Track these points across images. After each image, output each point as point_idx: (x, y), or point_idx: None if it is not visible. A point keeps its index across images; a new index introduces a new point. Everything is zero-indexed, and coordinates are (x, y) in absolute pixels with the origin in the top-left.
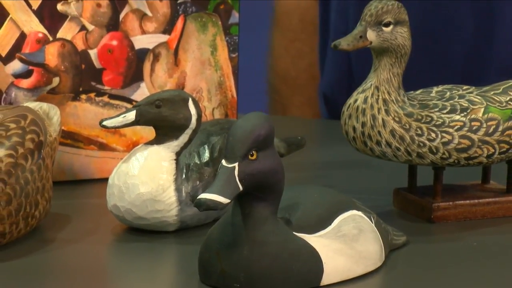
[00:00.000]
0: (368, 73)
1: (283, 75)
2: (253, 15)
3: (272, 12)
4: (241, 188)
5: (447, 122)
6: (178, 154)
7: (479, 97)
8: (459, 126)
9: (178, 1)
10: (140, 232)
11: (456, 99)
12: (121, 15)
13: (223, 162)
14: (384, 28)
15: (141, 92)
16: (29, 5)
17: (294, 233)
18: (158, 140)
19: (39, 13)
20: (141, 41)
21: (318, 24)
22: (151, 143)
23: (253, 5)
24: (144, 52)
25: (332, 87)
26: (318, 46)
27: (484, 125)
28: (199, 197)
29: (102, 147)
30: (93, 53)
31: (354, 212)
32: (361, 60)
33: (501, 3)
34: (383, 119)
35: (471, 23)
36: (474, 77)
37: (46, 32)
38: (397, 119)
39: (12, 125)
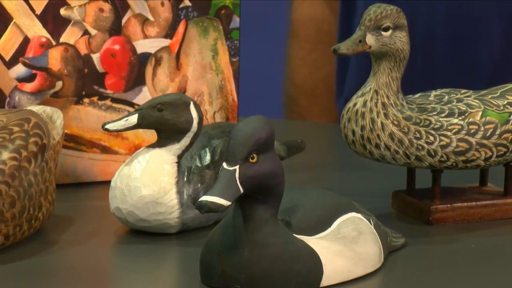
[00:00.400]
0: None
1: (301, 86)
2: (271, 26)
3: (289, 23)
4: (242, 190)
5: (445, 125)
6: (179, 157)
7: (477, 101)
8: (457, 129)
9: (180, 6)
10: (142, 234)
11: (454, 103)
12: (123, 20)
13: (224, 165)
14: (383, 33)
15: (143, 96)
16: (33, 10)
17: (294, 235)
18: (160, 143)
19: (43, 18)
20: (143, 46)
21: (337, 34)
22: (153, 146)
23: (270, 17)
24: (146, 56)
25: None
26: (337, 57)
27: (482, 129)
28: (200, 199)
29: (105, 150)
30: (95, 57)
31: (354, 214)
32: None
33: None
34: (382, 123)
35: (498, 27)
36: (502, 82)
37: (49, 36)
38: (396, 122)
39: (16, 129)
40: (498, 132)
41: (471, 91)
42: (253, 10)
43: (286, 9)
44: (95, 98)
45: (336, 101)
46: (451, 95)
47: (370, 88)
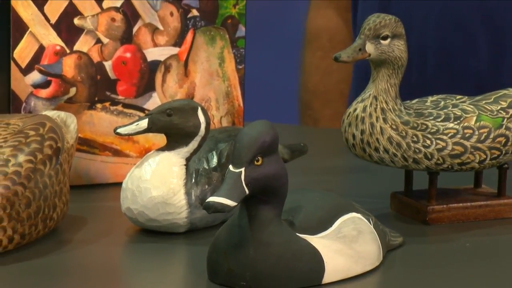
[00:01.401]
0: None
1: (314, 91)
2: (286, 35)
3: (303, 32)
4: (247, 191)
5: (442, 129)
6: (188, 159)
7: (471, 106)
8: (452, 133)
9: (188, 16)
10: (152, 233)
11: (450, 108)
12: (134, 29)
13: (230, 167)
14: (382, 41)
15: (153, 102)
16: (48, 20)
17: (297, 234)
18: (169, 146)
19: (57, 27)
20: (153, 54)
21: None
22: (162, 149)
23: (285, 26)
24: (156, 64)
25: None
26: (353, 64)
27: (476, 133)
28: (207, 200)
29: (117, 153)
30: (108, 64)
31: (354, 214)
32: None
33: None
34: (381, 127)
35: (486, 39)
36: (489, 90)
37: (63, 45)
38: (394, 127)
39: (32, 132)
40: (492, 136)
41: (466, 97)
42: (269, 20)
43: (301, 19)
44: (107, 104)
45: (348, 105)
46: (447, 101)
47: (370, 94)
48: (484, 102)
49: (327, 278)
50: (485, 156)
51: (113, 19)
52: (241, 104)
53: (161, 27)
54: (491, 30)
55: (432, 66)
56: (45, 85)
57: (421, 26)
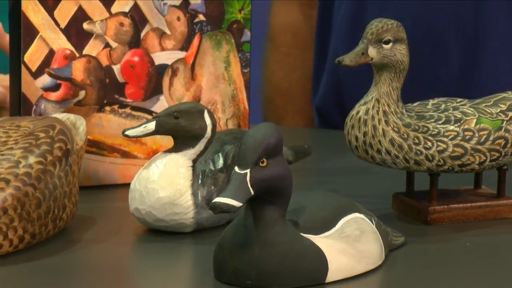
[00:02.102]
0: (356, 86)
1: (277, 87)
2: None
3: (266, 28)
4: (252, 192)
5: (442, 132)
6: (194, 161)
7: (471, 109)
8: (453, 135)
9: (195, 21)
10: (160, 233)
11: (450, 111)
12: (142, 34)
13: (236, 168)
14: (384, 46)
15: (161, 104)
16: (57, 24)
17: (301, 234)
18: (176, 148)
19: (67, 32)
20: (160, 58)
21: (314, 42)
22: (169, 151)
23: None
24: (163, 68)
25: (324, 99)
26: (313, 61)
27: (476, 135)
28: (214, 200)
29: (125, 154)
30: (116, 68)
31: (356, 214)
32: (350, 74)
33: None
34: (383, 129)
35: (458, 50)
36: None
37: (73, 49)
38: (396, 129)
39: (42, 135)
40: (491, 138)
41: (466, 100)
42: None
43: (264, 15)
44: (115, 107)
45: (311, 101)
46: (448, 104)
47: (372, 97)
48: (484, 105)
49: (331, 277)
50: (485, 158)
51: (121, 24)
52: (247, 107)
53: (168, 32)
54: (463, 40)
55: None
56: (55, 88)
57: None
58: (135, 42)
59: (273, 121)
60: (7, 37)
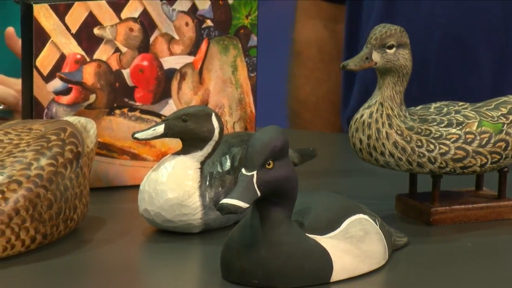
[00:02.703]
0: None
1: (304, 101)
2: (272, 45)
3: (291, 43)
4: (259, 194)
5: (444, 134)
6: (202, 163)
7: (473, 112)
8: (455, 138)
9: (203, 26)
10: (168, 233)
11: (452, 114)
12: (151, 39)
13: (243, 170)
14: (387, 50)
15: (169, 108)
16: (69, 29)
17: (306, 234)
18: (185, 150)
19: (78, 37)
20: (169, 62)
21: (343, 54)
22: (178, 153)
23: (271, 36)
24: (172, 72)
25: (355, 111)
26: (342, 74)
27: (478, 138)
28: (221, 202)
29: (134, 157)
30: (126, 72)
31: (361, 215)
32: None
33: None
34: (386, 132)
35: (487, 58)
36: None
37: (83, 53)
38: (399, 132)
39: (53, 137)
40: (492, 141)
41: (468, 104)
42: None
43: (288, 31)
44: (125, 110)
45: (341, 114)
46: (450, 107)
47: (376, 101)
48: (485, 108)
49: (335, 276)
50: (486, 160)
51: (131, 29)
52: (253, 110)
53: (177, 37)
54: (493, 49)
55: (433, 82)
56: (66, 92)
57: (423, 42)
58: (144, 47)
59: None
60: (19, 41)
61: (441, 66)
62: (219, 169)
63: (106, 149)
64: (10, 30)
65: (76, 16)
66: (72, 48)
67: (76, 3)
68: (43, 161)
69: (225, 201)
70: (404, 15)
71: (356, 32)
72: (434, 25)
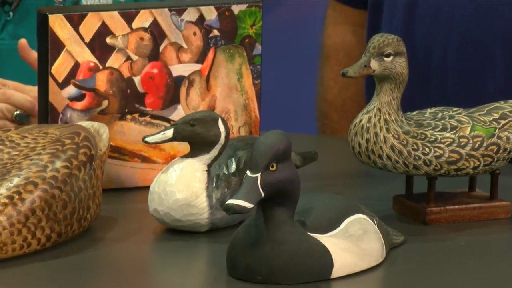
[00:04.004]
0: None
1: (332, 103)
2: (303, 50)
3: (321, 48)
4: (263, 194)
5: (439, 138)
6: (209, 165)
7: (466, 117)
8: (449, 142)
9: (210, 35)
10: (177, 232)
11: (446, 119)
12: (161, 47)
13: (248, 172)
14: (385, 59)
15: (178, 113)
16: (82, 39)
17: (308, 233)
18: (192, 154)
19: (91, 46)
20: (178, 70)
21: None
22: (186, 156)
23: (303, 42)
24: (180, 79)
25: None
26: (365, 77)
27: (471, 141)
28: (227, 202)
29: (145, 159)
30: (137, 79)
31: (360, 215)
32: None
33: None
34: (384, 136)
35: (504, 62)
36: None
37: (97, 61)
38: (396, 136)
39: (68, 141)
40: (485, 144)
41: (462, 109)
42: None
43: (319, 36)
44: (136, 115)
45: None
46: (444, 112)
47: (374, 106)
48: (478, 113)
49: (336, 273)
50: (478, 163)
51: (141, 38)
52: (258, 116)
53: (185, 46)
54: (509, 53)
55: (452, 86)
56: (80, 98)
57: (443, 47)
58: (154, 55)
59: (328, 134)
60: (32, 52)
61: (460, 70)
62: (225, 171)
63: (118, 152)
64: (23, 41)
65: (89, 26)
66: (86, 57)
67: (89, 13)
68: (58, 164)
69: (231, 201)
70: (424, 20)
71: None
72: (453, 30)
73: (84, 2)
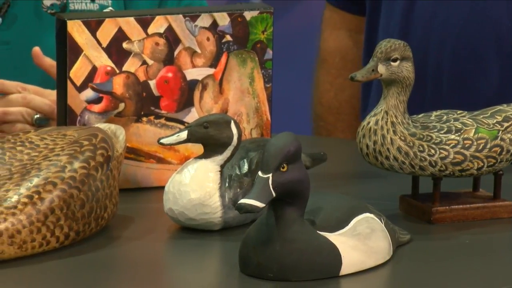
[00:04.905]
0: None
1: (328, 106)
2: (300, 54)
3: (317, 52)
4: (274, 194)
5: (444, 140)
6: (222, 166)
7: (470, 120)
8: (454, 144)
9: (223, 41)
10: (191, 231)
11: (451, 122)
12: (176, 52)
13: (259, 173)
14: (392, 63)
15: (192, 116)
16: (100, 44)
17: (317, 232)
18: (206, 155)
19: (108, 50)
20: (192, 74)
21: (362, 62)
22: (200, 157)
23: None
24: (194, 83)
25: None
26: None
27: (475, 143)
28: (239, 202)
29: (160, 160)
30: (152, 83)
31: (367, 214)
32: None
33: None
34: (391, 138)
35: (497, 65)
36: None
37: (113, 66)
38: (402, 138)
39: (86, 142)
40: (488, 146)
41: (466, 112)
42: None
43: (315, 41)
44: (151, 117)
45: (360, 118)
46: (449, 115)
47: (381, 109)
48: (481, 116)
49: (344, 270)
50: (482, 164)
51: (157, 43)
52: (269, 118)
53: (199, 51)
54: (502, 56)
55: (447, 87)
56: (97, 101)
57: (438, 50)
58: (169, 59)
59: (324, 136)
60: (45, 59)
61: (455, 73)
62: (238, 172)
63: (134, 153)
64: (36, 49)
65: (106, 32)
66: (103, 61)
67: (106, 19)
68: (76, 164)
69: (243, 201)
70: (420, 24)
71: (374, 42)
72: (448, 34)
73: (71, 7)
